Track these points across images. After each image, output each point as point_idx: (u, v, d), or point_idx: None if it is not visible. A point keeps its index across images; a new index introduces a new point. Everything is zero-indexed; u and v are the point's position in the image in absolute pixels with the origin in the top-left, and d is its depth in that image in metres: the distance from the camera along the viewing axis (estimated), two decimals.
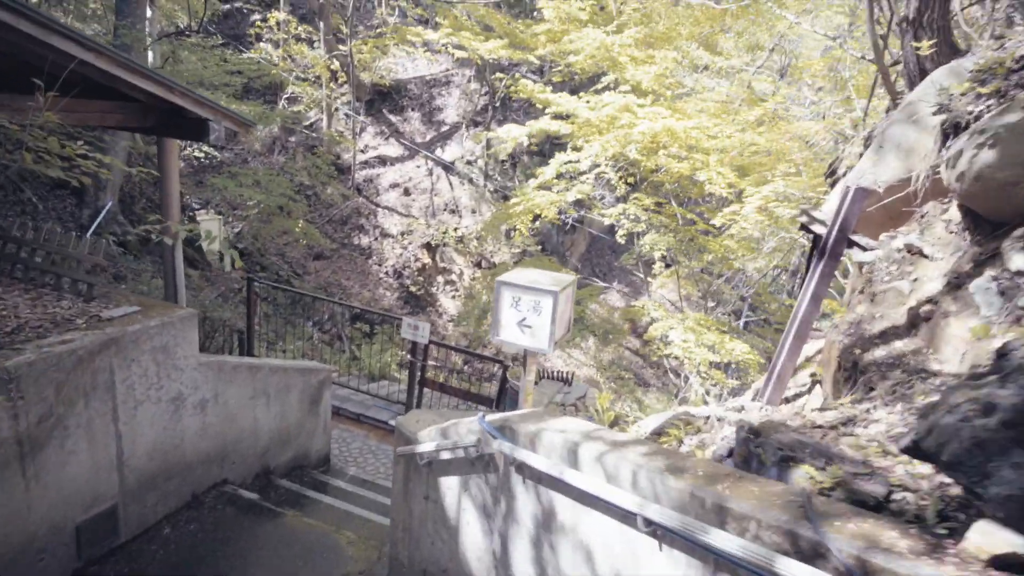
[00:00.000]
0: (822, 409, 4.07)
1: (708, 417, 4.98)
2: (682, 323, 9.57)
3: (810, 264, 6.59)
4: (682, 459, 2.27)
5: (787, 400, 5.73)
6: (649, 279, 12.98)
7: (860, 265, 5.00)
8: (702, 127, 9.45)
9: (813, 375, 5.85)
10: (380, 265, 17.29)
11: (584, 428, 2.65)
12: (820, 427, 3.32)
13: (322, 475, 5.37)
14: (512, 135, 10.19)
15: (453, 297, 18.20)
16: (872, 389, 4.05)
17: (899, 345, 4.24)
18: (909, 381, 3.80)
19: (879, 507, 2.08)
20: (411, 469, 3.60)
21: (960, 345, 3.82)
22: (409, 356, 7.36)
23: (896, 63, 7.51)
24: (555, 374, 7.29)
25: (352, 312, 12.73)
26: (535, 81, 14.01)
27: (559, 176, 10.93)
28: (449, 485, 3.20)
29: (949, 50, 5.50)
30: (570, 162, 9.77)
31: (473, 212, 20.72)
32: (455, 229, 19.96)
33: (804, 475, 2.27)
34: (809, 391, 5.74)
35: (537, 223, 12.65)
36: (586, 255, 21.42)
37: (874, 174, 5.42)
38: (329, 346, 11.49)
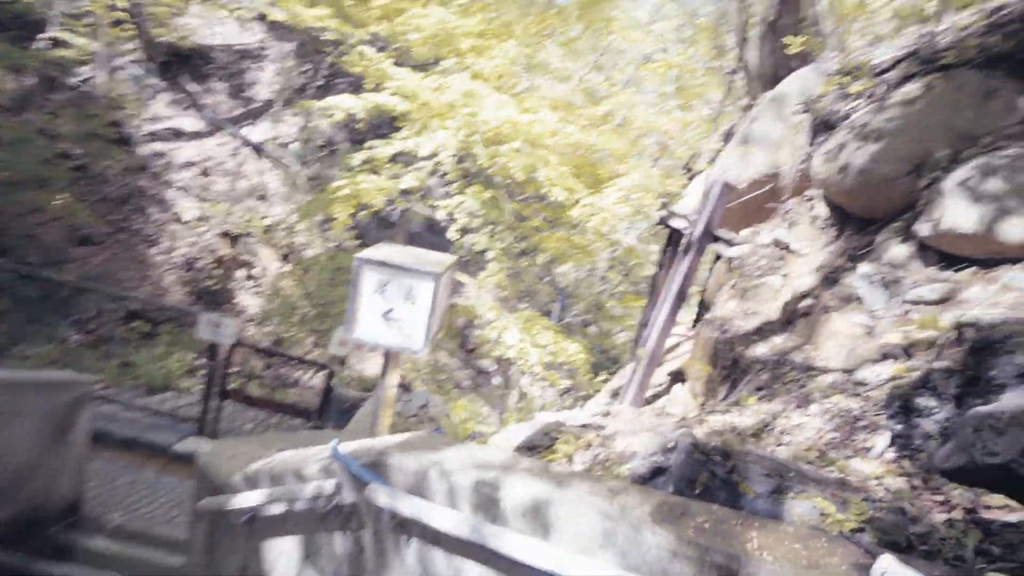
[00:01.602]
0: (709, 412, 3.73)
1: (586, 425, 4.46)
2: (516, 323, 9.18)
3: (663, 259, 6.48)
4: (655, 497, 1.58)
5: (648, 401, 5.46)
6: (475, 279, 12.47)
7: (729, 260, 4.88)
8: (544, 122, 9.15)
9: (672, 374, 5.67)
10: (168, 255, 14.69)
11: (499, 459, 1.86)
12: (740, 434, 2.91)
13: (68, 531, 3.82)
14: (345, 105, 8.99)
15: (255, 293, 16.18)
16: (760, 388, 3.82)
17: (778, 341, 4.08)
18: (800, 380, 3.61)
19: (910, 547, 1.62)
20: (221, 529, 2.47)
21: (844, 341, 3.72)
22: (207, 361, 5.90)
23: (734, 72, 7.94)
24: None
25: (128, 308, 10.43)
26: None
27: (393, 159, 9.97)
28: (283, 552, 2.16)
29: (787, 59, 5.68)
30: (406, 146, 8.86)
31: (284, 200, 18.75)
32: (262, 217, 17.86)
33: (814, 509, 1.73)
34: (667, 390, 5.54)
35: (362, 213, 11.51)
36: None
37: (739, 169, 5.37)
38: (93, 350, 9.19)
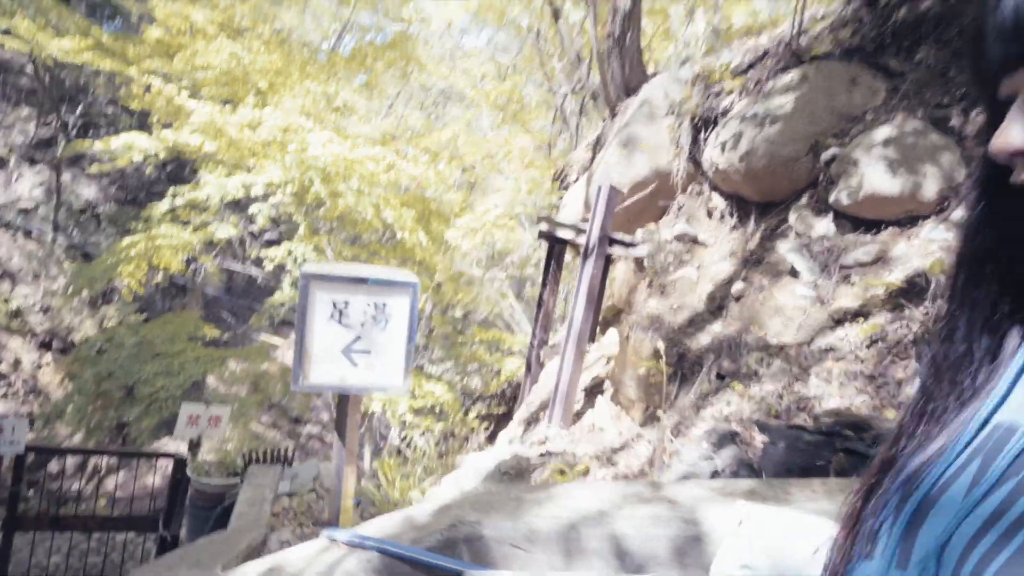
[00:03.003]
0: (698, 407, 3.55)
1: (545, 453, 4.01)
2: None
3: (547, 276, 6.34)
4: None
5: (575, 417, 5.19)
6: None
7: (638, 260, 4.87)
8: (377, 158, 8.65)
9: (586, 389, 5.48)
10: None
11: (613, 496, 1.41)
12: (788, 413, 2.74)
13: None
14: (140, 145, 7.56)
15: (4, 396, 13.05)
16: (722, 376, 3.76)
17: (717, 329, 4.09)
18: (764, 359, 3.63)
19: None
20: None
21: (792, 314, 3.84)
22: None
23: (576, 88, 8.29)
24: (269, 453, 5.23)
25: None
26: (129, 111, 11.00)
27: (198, 207, 8.65)
28: None
29: (640, 69, 6.04)
30: (225, 188, 7.71)
31: (36, 277, 15.47)
32: (5, 300, 14.58)
33: None
34: (591, 404, 5.33)
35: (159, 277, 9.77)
36: (204, 319, 18.05)
37: (621, 173, 5.45)
38: None
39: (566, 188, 6.08)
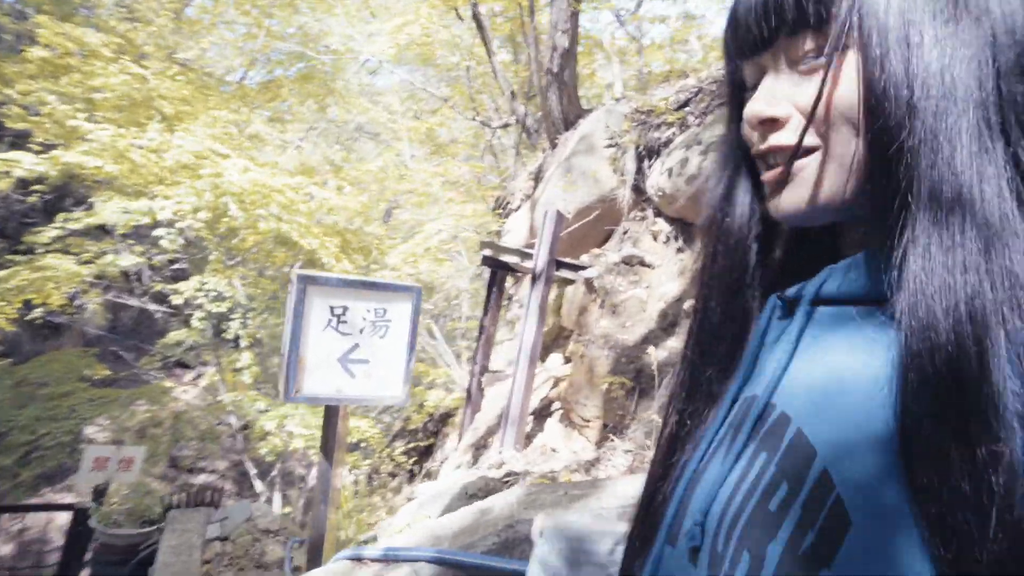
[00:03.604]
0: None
1: (507, 476, 3.89)
2: (296, 408, 7.95)
3: (489, 302, 6.31)
4: None
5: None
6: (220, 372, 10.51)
7: (588, 283, 4.94)
8: (297, 186, 8.38)
9: (535, 411, 5.43)
10: None
11: None
12: None
13: None
14: (27, 163, 6.87)
15: None
16: None
17: (671, 343, 4.24)
18: None
19: None
20: None
21: None
22: None
23: (508, 124, 8.41)
24: (193, 496, 4.69)
25: None
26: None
27: (88, 235, 7.94)
28: None
29: (577, 104, 6.30)
30: (137, 213, 7.13)
31: None
32: None
33: None
34: (539, 427, 5.28)
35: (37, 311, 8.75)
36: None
37: (565, 201, 5.59)
38: None
39: (507, 216, 6.15)
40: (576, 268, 5.18)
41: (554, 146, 5.94)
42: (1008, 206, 0.37)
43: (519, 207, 6.07)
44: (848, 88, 0.43)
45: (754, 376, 0.52)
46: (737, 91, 0.53)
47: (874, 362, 0.41)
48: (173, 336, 13.42)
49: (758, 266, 0.55)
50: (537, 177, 6.02)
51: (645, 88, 6.04)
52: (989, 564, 0.33)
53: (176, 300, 7.98)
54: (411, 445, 8.70)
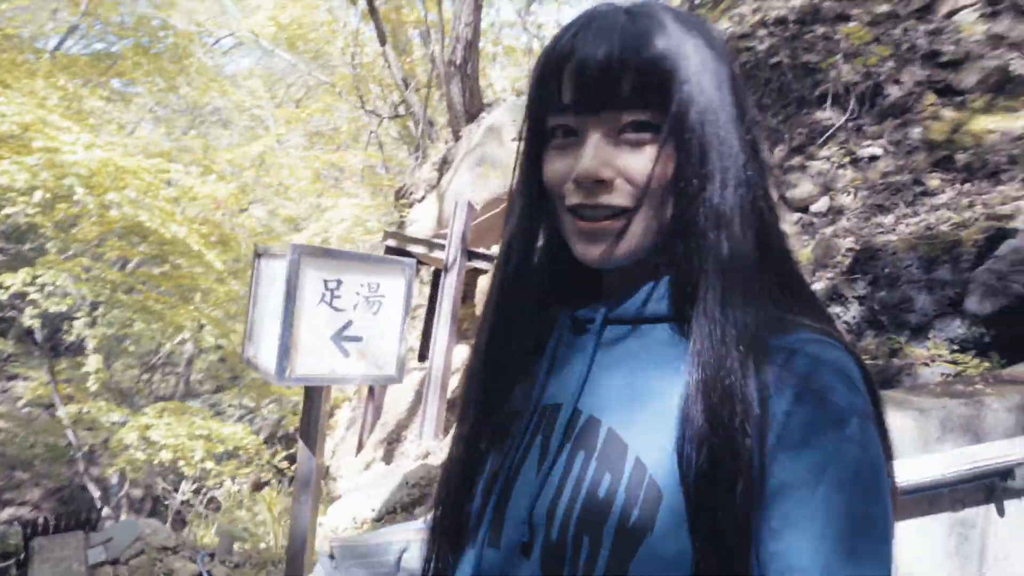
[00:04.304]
0: None
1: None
2: (160, 417, 7.18)
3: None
4: None
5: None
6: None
7: None
8: (158, 170, 7.52)
9: (449, 402, 5.36)
10: None
11: None
12: None
13: None
14: None
15: None
16: None
17: None
18: None
19: None
20: None
21: None
22: None
23: (398, 114, 8.05)
24: (59, 520, 3.99)
25: None
26: None
27: None
28: None
29: (478, 97, 6.32)
30: None
31: None
32: None
33: None
34: (452, 418, 5.23)
35: None
36: None
37: (475, 192, 5.60)
38: None
39: (410, 207, 6.03)
40: (488, 259, 5.25)
41: (457, 138, 5.95)
42: (755, 264, 0.51)
43: (423, 197, 6.00)
44: (666, 169, 0.52)
45: (550, 386, 0.59)
46: (540, 134, 0.58)
47: (669, 367, 0.52)
48: None
49: (544, 290, 0.62)
50: (441, 168, 5.99)
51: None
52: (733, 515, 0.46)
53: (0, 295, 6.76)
54: (293, 450, 8.22)
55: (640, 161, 0.52)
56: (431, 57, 6.36)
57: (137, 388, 9.34)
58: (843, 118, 3.87)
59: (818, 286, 3.33)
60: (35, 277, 7.12)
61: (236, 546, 3.91)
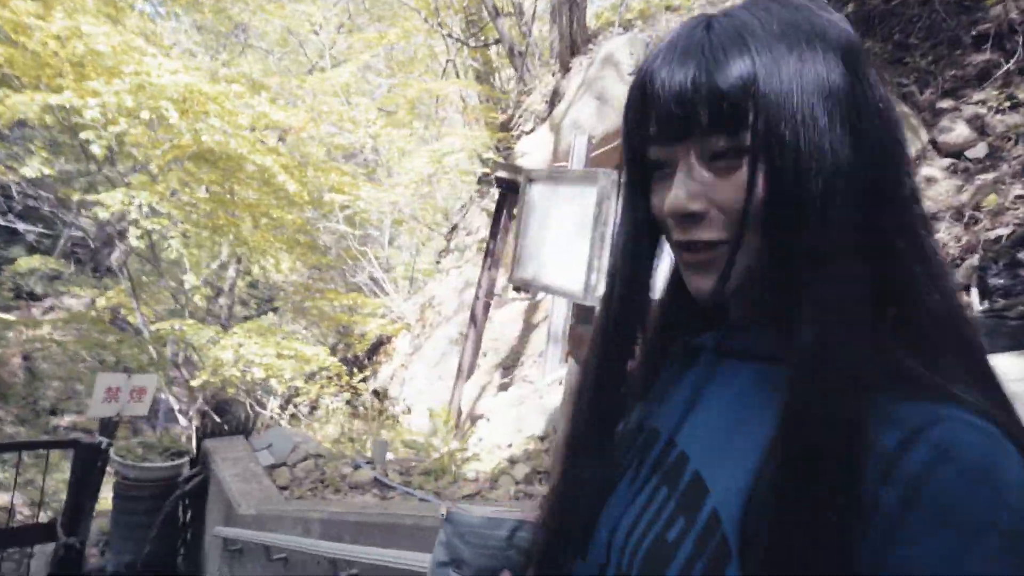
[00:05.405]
0: None
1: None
2: (248, 335, 7.43)
3: (497, 225, 6.23)
4: None
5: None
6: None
7: None
8: (238, 95, 7.48)
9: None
10: None
11: None
12: None
13: None
14: None
15: None
16: None
17: None
18: None
19: None
20: None
21: None
22: None
23: (496, 41, 7.85)
24: (222, 425, 4.22)
25: None
26: None
27: None
28: None
29: (585, 28, 6.22)
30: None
31: None
32: None
33: None
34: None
35: None
36: None
37: (592, 124, 5.61)
38: None
39: (518, 139, 6.04)
40: None
41: (566, 69, 5.90)
42: (864, 309, 0.45)
43: (533, 129, 6.00)
44: (760, 195, 0.47)
45: (658, 408, 0.59)
46: (640, 165, 0.55)
47: (764, 417, 0.47)
48: (22, 263, 11.65)
49: (664, 318, 0.62)
50: (552, 100, 5.96)
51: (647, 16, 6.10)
52: None
53: (102, 215, 6.88)
54: (364, 374, 8.60)
55: (730, 189, 0.49)
56: None
57: (208, 310, 9.62)
58: (1010, 61, 3.83)
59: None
60: (131, 197, 7.23)
61: (389, 455, 4.17)
